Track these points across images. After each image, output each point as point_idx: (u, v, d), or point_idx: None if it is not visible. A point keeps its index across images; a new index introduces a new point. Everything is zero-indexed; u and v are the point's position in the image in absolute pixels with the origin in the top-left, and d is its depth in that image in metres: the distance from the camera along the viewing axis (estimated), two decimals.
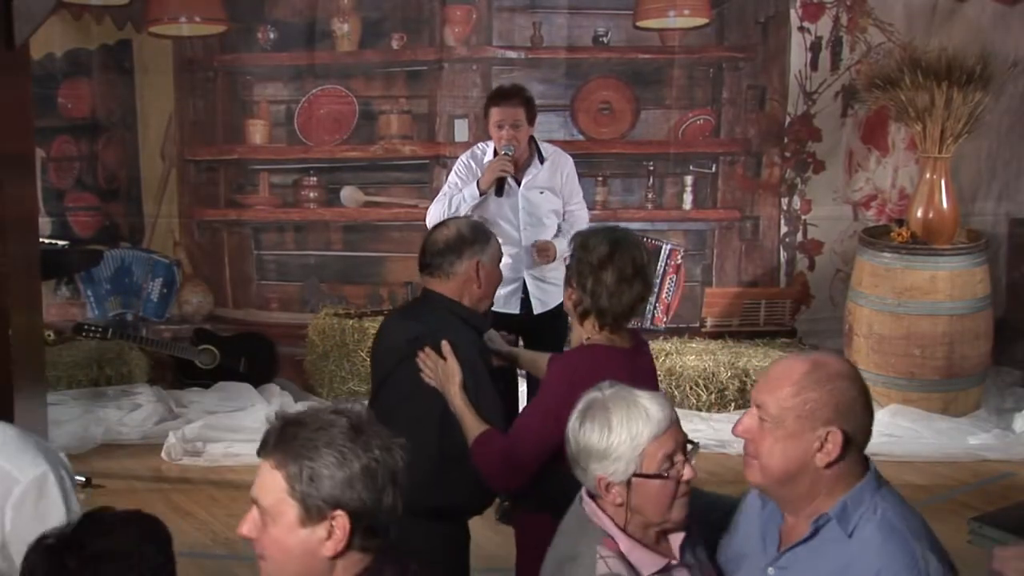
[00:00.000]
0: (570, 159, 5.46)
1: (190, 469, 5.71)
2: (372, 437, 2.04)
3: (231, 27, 6.73)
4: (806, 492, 2.29)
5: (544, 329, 5.21)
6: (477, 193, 5.14)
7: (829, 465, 2.26)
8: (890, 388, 6.29)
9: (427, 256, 3.37)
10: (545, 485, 3.16)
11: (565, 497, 2.89)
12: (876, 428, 6.61)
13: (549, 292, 5.30)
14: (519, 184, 5.27)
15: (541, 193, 5.30)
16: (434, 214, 5.25)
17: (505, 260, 4.87)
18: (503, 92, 5.28)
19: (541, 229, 5.31)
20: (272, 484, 2.02)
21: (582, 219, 5.42)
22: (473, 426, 3.19)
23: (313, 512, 2.00)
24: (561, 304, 5.09)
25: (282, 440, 2.03)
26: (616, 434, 2.42)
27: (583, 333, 3.25)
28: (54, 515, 2.50)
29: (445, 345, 3.24)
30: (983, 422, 6.22)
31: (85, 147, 6.79)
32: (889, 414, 6.19)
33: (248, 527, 2.06)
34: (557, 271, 5.28)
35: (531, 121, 5.24)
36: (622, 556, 2.40)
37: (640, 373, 3.18)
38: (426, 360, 3.25)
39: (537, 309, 5.32)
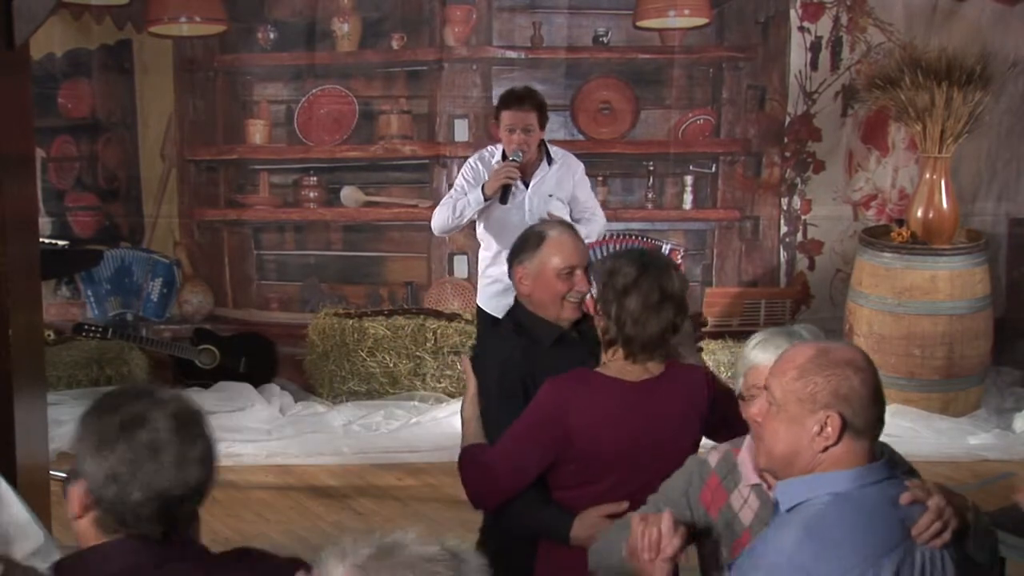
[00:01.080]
0: (581, 165, 5.39)
1: None
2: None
3: (231, 27, 6.73)
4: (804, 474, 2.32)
5: None
6: (482, 199, 5.08)
7: (826, 449, 2.28)
8: (890, 388, 6.21)
9: None
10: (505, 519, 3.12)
11: (517, 533, 2.95)
12: None
13: None
14: (527, 186, 5.21)
15: (549, 196, 5.23)
16: (439, 218, 5.23)
17: None
18: (516, 96, 5.18)
19: None
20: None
21: (599, 221, 5.39)
22: (466, 438, 3.17)
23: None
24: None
25: None
26: None
27: (604, 359, 3.11)
28: None
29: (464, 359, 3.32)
30: (983, 422, 6.22)
31: (85, 147, 6.79)
32: (889, 414, 6.10)
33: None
34: None
35: (542, 126, 5.16)
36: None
37: (646, 408, 3.03)
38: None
39: None
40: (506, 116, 5.12)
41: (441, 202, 5.31)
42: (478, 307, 5.42)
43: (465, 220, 5.17)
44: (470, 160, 5.35)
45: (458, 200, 5.16)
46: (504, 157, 5.17)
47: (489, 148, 5.36)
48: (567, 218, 5.17)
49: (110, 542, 2.09)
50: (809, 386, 2.27)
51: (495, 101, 6.12)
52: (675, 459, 2.86)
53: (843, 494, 2.27)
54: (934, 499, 2.31)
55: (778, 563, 2.22)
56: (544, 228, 3.48)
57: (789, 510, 2.30)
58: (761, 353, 2.63)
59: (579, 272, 3.34)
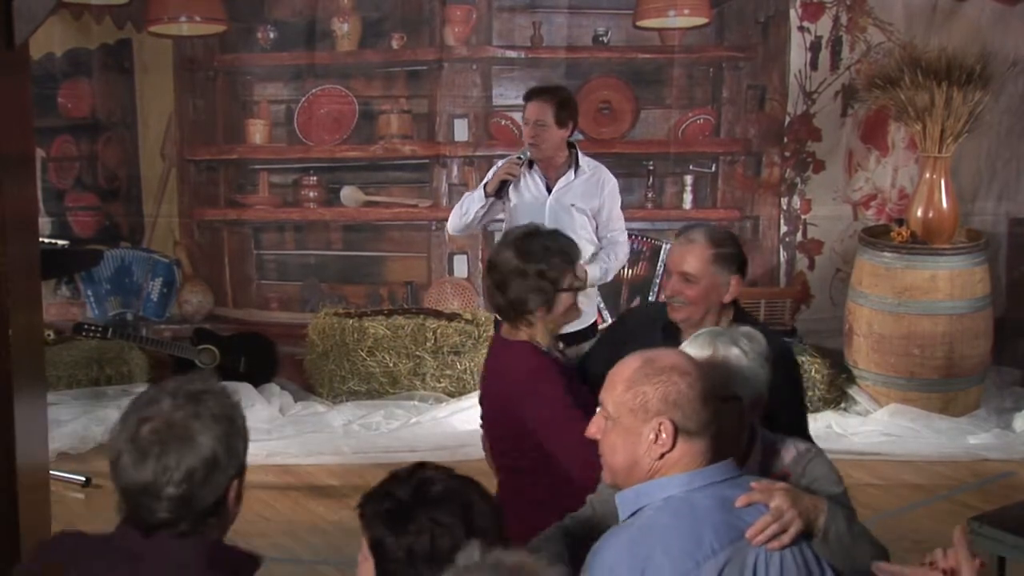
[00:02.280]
0: (614, 180, 5.15)
1: None
2: None
3: (231, 27, 6.73)
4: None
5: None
6: (483, 196, 4.97)
7: (662, 456, 2.32)
8: (890, 388, 6.29)
9: None
10: None
11: None
12: (876, 428, 6.58)
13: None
14: (549, 191, 5.05)
15: (572, 206, 5.03)
16: (452, 217, 5.12)
17: None
18: (538, 89, 5.10)
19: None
20: None
21: (621, 250, 5.15)
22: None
23: None
24: (588, 328, 5.01)
25: None
26: None
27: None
28: None
29: None
30: (983, 422, 6.22)
31: (85, 147, 6.79)
32: (888, 414, 6.19)
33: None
34: (584, 295, 5.15)
35: (560, 123, 4.95)
36: None
37: None
38: None
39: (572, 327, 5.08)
40: (527, 109, 5.01)
41: (457, 204, 5.20)
42: None
43: (471, 218, 5.02)
44: (499, 161, 5.17)
45: (466, 197, 5.11)
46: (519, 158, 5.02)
47: (524, 151, 5.07)
48: (593, 237, 5.07)
49: None
50: (639, 396, 2.32)
51: (495, 101, 6.13)
52: None
53: (673, 498, 2.30)
54: (776, 501, 2.32)
55: (609, 567, 2.25)
56: None
57: (628, 517, 2.34)
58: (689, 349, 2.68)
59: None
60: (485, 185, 5.01)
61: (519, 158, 4.98)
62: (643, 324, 3.54)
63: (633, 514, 2.33)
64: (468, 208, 5.03)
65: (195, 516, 2.11)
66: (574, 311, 3.39)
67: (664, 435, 2.30)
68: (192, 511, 2.11)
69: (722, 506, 2.30)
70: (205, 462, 2.10)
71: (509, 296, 3.30)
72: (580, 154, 5.12)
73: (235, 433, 2.15)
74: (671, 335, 3.36)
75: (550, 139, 4.97)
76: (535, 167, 5.04)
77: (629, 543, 2.26)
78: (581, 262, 4.87)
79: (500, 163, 5.09)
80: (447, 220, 5.28)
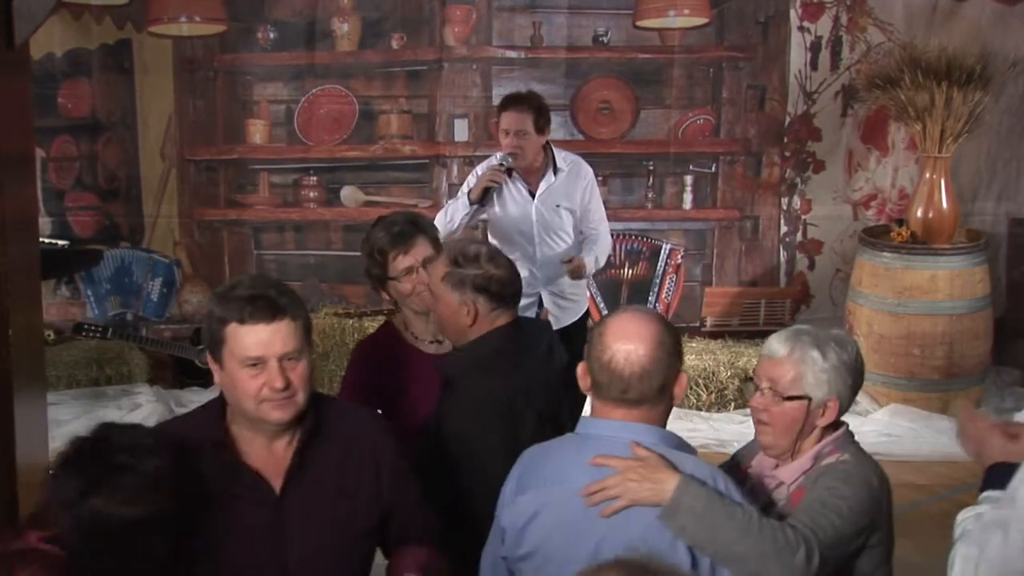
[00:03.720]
0: (590, 171, 5.19)
1: None
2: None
3: (231, 27, 6.73)
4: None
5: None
6: (468, 204, 4.95)
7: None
8: (890, 388, 6.29)
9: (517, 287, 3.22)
10: None
11: None
12: (876, 428, 6.58)
13: (566, 309, 5.13)
14: (533, 196, 5.06)
15: (556, 207, 5.07)
16: (438, 224, 5.14)
17: (528, 276, 4.78)
18: (513, 98, 5.06)
19: (557, 243, 5.10)
20: (295, 332, 2.53)
21: (605, 239, 5.20)
22: None
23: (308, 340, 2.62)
24: (577, 322, 5.13)
25: (281, 305, 2.52)
26: None
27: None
28: None
29: None
30: None
31: (85, 147, 6.79)
32: (889, 414, 6.19)
33: (282, 378, 2.52)
34: (576, 287, 5.15)
35: (540, 130, 4.97)
36: None
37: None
38: None
39: (553, 326, 4.94)
40: (503, 118, 4.99)
41: (442, 209, 5.20)
42: None
43: (456, 225, 5.00)
44: (479, 167, 5.16)
45: (449, 206, 5.08)
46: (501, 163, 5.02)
47: (498, 155, 5.10)
48: (572, 231, 5.12)
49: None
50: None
51: (495, 101, 6.12)
52: None
53: (589, 437, 2.54)
54: (617, 468, 2.39)
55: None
56: None
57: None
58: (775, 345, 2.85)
59: None
60: (468, 193, 4.98)
61: (501, 165, 4.95)
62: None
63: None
64: (453, 216, 5.00)
65: None
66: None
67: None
68: None
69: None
70: None
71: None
72: (555, 152, 5.12)
73: None
74: None
75: (531, 147, 4.97)
76: (515, 174, 5.02)
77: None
78: (561, 251, 5.04)
79: (479, 170, 5.08)
80: None
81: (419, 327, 3.53)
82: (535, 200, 5.06)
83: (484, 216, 5.16)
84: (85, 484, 2.24)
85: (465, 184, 5.17)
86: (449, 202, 5.20)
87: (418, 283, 3.43)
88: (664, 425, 2.51)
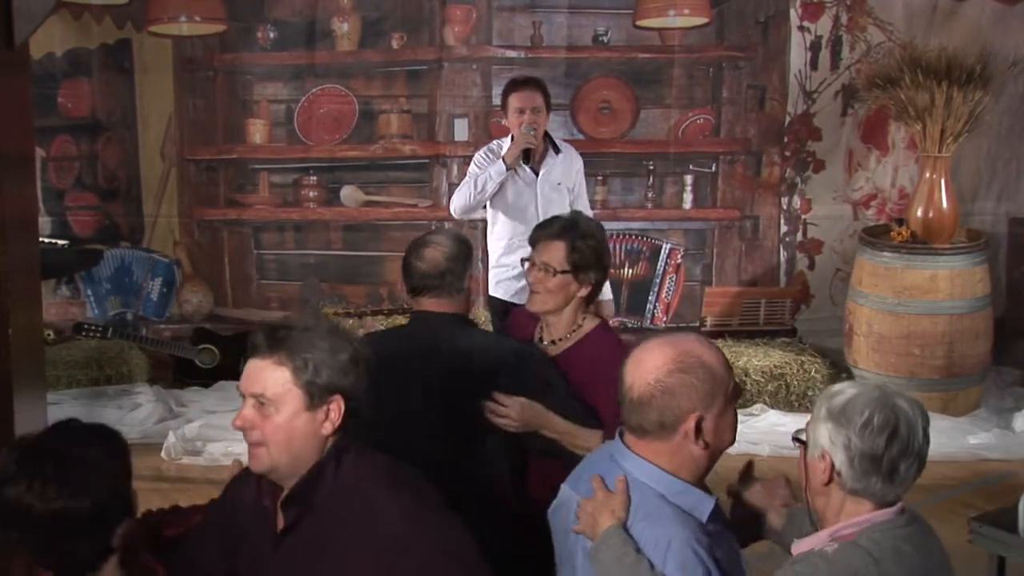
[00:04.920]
0: (580, 158, 5.49)
1: (190, 468, 5.71)
2: (345, 333, 2.38)
3: (231, 27, 6.73)
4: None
5: None
6: (504, 168, 5.16)
7: None
8: None
9: (431, 276, 3.25)
10: None
11: None
12: None
13: None
14: (537, 175, 5.28)
15: (558, 184, 5.32)
16: (460, 198, 5.27)
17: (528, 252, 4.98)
18: (521, 80, 5.36)
19: None
20: (276, 378, 2.30)
21: None
22: (586, 434, 3.19)
23: (315, 397, 2.30)
24: None
25: (276, 341, 2.31)
26: None
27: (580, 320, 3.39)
28: None
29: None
30: (983, 421, 6.22)
31: (85, 147, 6.79)
32: None
33: (244, 420, 2.32)
34: None
35: (548, 108, 5.30)
36: None
37: None
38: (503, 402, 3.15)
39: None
40: (515, 99, 5.23)
41: (458, 188, 5.33)
42: (489, 296, 5.46)
43: (488, 194, 5.21)
44: (481, 151, 5.39)
45: (478, 176, 5.21)
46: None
47: (496, 142, 5.41)
48: (566, 210, 5.25)
49: (336, 444, 2.37)
50: None
51: (495, 101, 6.14)
52: None
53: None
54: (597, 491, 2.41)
55: None
56: None
57: None
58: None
59: None
60: (503, 157, 5.17)
61: (529, 131, 5.16)
62: None
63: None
64: (484, 184, 5.19)
65: None
66: None
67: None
68: None
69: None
70: None
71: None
72: (553, 136, 5.41)
73: None
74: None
75: (544, 124, 5.26)
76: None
77: None
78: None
79: (480, 158, 5.30)
80: (447, 216, 5.48)
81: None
82: (539, 179, 5.28)
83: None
84: (4, 473, 2.23)
85: (472, 166, 5.33)
86: (471, 176, 5.28)
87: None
88: (686, 464, 2.37)
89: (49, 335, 6.49)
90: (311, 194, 6.88)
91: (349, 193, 6.87)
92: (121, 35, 6.67)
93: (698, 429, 2.33)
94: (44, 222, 6.54)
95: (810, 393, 6.31)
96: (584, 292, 3.39)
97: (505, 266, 5.30)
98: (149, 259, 6.91)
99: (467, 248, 3.34)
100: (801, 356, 6.51)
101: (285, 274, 6.92)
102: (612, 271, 6.80)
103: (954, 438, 6.01)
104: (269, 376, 2.30)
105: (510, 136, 5.28)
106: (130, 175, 6.83)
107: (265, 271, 6.93)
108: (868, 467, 2.26)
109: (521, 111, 5.19)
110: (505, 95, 5.29)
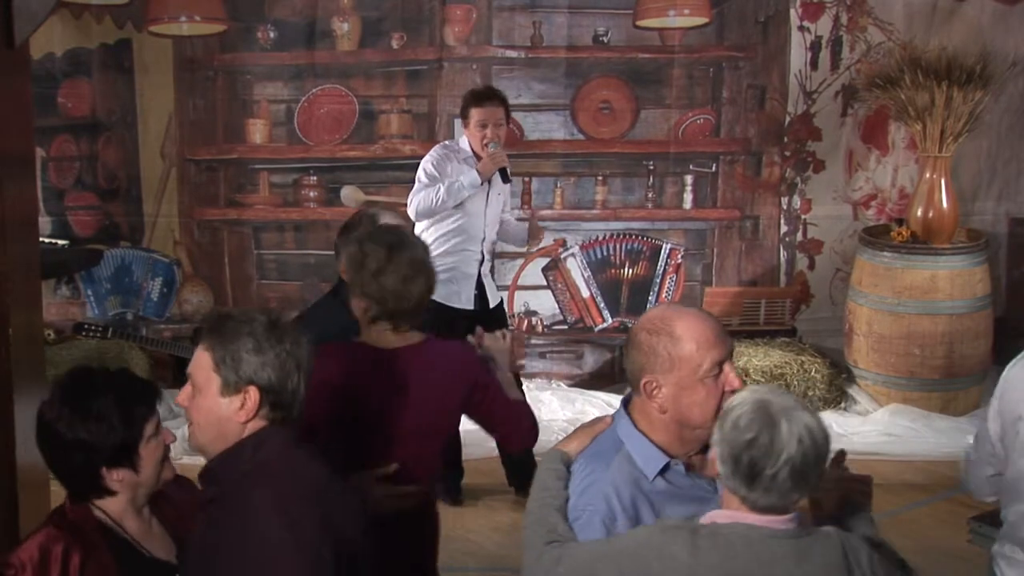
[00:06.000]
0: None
1: (190, 468, 5.68)
2: (285, 333, 2.53)
3: (231, 27, 6.73)
4: None
5: (496, 321, 5.24)
6: (478, 181, 5.27)
7: None
8: (890, 387, 6.29)
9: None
10: None
11: None
12: (876, 428, 6.58)
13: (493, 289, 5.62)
14: (489, 185, 5.40)
15: (499, 195, 5.50)
16: (425, 201, 5.32)
17: (474, 256, 5.39)
18: (482, 94, 5.46)
19: (495, 228, 5.55)
20: (202, 362, 2.54)
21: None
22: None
23: (231, 386, 2.51)
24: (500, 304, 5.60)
25: (213, 329, 2.54)
26: None
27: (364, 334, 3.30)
28: None
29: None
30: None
31: (85, 147, 6.79)
32: (889, 413, 6.19)
33: (181, 397, 2.63)
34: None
35: (508, 121, 5.45)
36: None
37: (406, 370, 3.20)
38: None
39: (493, 303, 5.54)
40: (476, 112, 5.33)
41: (417, 191, 5.36)
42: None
43: (452, 203, 5.31)
44: (434, 151, 5.49)
45: (451, 184, 5.28)
46: (473, 152, 5.37)
47: (448, 142, 5.59)
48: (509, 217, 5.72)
49: (256, 432, 2.52)
50: None
51: None
52: (436, 422, 3.20)
53: None
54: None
55: None
56: None
57: None
58: None
59: None
60: (478, 171, 5.28)
61: (494, 147, 5.29)
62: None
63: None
64: (458, 192, 5.29)
65: None
66: None
67: None
68: None
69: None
70: None
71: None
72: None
73: None
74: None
75: (504, 137, 5.40)
76: (469, 161, 5.38)
77: None
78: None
79: (433, 158, 5.40)
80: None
81: None
82: (490, 190, 5.42)
83: None
84: (50, 400, 2.68)
85: (429, 167, 5.39)
86: (422, 185, 5.36)
87: None
88: (655, 426, 2.56)
89: (49, 335, 6.49)
90: (311, 194, 6.88)
91: (349, 193, 6.87)
92: (121, 35, 6.67)
93: (651, 391, 2.51)
94: (44, 222, 6.54)
95: (810, 393, 6.31)
96: None
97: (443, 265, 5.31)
98: (149, 259, 6.91)
99: None
100: (801, 356, 6.51)
101: (285, 274, 6.92)
102: (612, 271, 6.85)
103: (954, 438, 6.01)
104: (198, 360, 2.56)
105: (464, 138, 5.43)
106: (130, 175, 6.83)
107: (265, 271, 6.93)
108: (731, 467, 2.30)
109: (483, 125, 5.31)
110: (466, 106, 5.39)
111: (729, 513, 2.34)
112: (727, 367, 2.54)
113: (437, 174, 5.33)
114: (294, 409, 2.55)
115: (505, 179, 5.37)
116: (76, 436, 2.62)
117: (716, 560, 2.29)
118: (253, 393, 2.50)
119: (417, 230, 5.47)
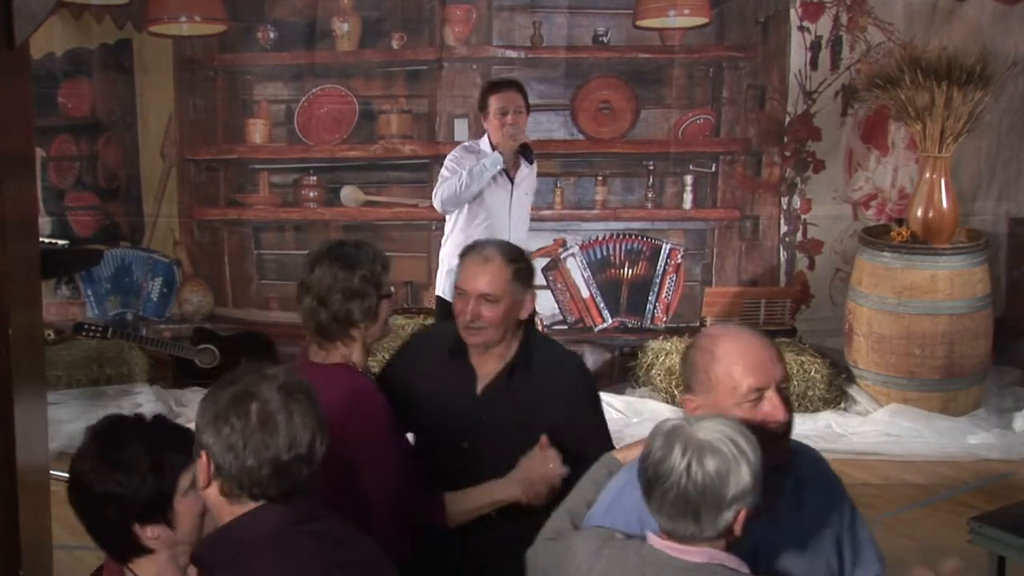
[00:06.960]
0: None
1: None
2: (250, 413, 2.26)
3: (231, 27, 6.73)
4: None
5: None
6: (500, 160, 5.22)
7: None
8: (890, 387, 6.29)
9: None
10: None
11: None
12: (876, 428, 6.59)
13: None
14: (512, 182, 5.35)
15: (526, 195, 5.43)
16: (448, 190, 5.30)
17: None
18: (500, 82, 5.46)
19: (521, 228, 5.44)
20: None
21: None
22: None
23: (196, 447, 2.33)
24: None
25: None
26: None
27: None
28: None
29: None
30: (983, 421, 6.22)
31: (85, 147, 6.79)
32: (889, 414, 6.19)
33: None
34: None
35: (527, 110, 5.37)
36: None
37: None
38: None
39: None
40: (495, 100, 5.30)
41: (440, 184, 5.36)
42: (439, 298, 5.51)
43: (482, 184, 5.25)
44: (455, 151, 5.48)
45: (473, 167, 5.24)
46: (494, 148, 5.31)
47: (469, 143, 5.54)
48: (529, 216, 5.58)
49: (250, 511, 2.28)
50: None
51: None
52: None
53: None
54: None
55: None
56: None
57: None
58: None
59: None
60: (498, 149, 5.23)
61: (516, 131, 5.24)
62: (431, 345, 3.40)
63: None
64: (481, 174, 5.22)
65: None
66: (388, 324, 3.17)
67: None
68: None
69: None
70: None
71: (332, 309, 3.03)
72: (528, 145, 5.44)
73: None
74: (458, 355, 3.25)
75: (524, 124, 5.33)
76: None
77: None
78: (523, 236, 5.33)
79: (452, 161, 5.35)
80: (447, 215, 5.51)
81: (365, 362, 3.23)
82: (513, 186, 5.37)
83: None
84: (80, 452, 2.55)
85: (449, 163, 5.37)
86: (443, 178, 5.34)
87: None
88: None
89: (49, 335, 6.50)
90: (311, 194, 6.88)
91: (349, 193, 6.87)
92: (121, 35, 6.68)
93: (691, 410, 2.46)
94: (44, 222, 6.55)
95: (810, 393, 6.31)
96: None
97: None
98: (149, 259, 6.91)
99: None
100: (801, 356, 6.51)
101: (285, 274, 6.92)
102: (612, 271, 6.84)
103: (954, 438, 6.01)
104: None
105: (486, 137, 5.38)
106: (130, 175, 6.83)
107: (265, 271, 6.93)
108: (640, 475, 2.31)
109: (503, 112, 5.27)
110: (485, 96, 5.39)
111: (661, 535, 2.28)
112: (769, 394, 2.43)
113: (459, 169, 5.32)
114: (271, 488, 2.27)
115: (528, 159, 5.32)
116: (106, 488, 2.43)
117: (604, 569, 2.27)
118: (204, 457, 2.31)
119: (445, 232, 5.46)
